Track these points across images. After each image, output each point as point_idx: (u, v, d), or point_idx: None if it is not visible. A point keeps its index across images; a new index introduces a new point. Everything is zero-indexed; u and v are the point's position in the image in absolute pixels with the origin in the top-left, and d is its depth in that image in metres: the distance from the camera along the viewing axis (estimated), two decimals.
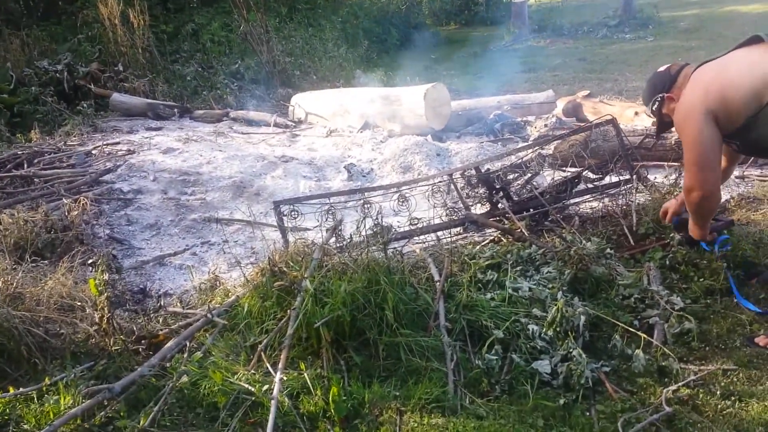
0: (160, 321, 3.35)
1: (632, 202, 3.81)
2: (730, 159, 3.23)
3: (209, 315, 3.11)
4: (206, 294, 3.58)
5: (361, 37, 12.78)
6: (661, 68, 3.12)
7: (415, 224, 3.89)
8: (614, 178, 4.13)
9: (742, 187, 4.57)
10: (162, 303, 3.61)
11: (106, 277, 3.09)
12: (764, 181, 4.67)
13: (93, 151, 6.22)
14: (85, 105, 7.98)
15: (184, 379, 2.66)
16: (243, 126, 8.00)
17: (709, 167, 2.80)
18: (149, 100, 8.48)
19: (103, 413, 2.57)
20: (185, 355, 2.91)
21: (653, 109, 3.09)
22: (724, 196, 4.19)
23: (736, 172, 4.50)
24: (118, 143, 6.56)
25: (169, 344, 2.99)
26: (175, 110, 8.39)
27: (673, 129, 3.12)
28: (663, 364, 2.64)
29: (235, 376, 2.64)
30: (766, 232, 3.74)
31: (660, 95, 3.03)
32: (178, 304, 3.59)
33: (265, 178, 5.55)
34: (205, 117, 8.31)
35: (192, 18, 10.76)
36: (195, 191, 5.26)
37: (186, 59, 9.99)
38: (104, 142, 6.58)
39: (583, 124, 6.49)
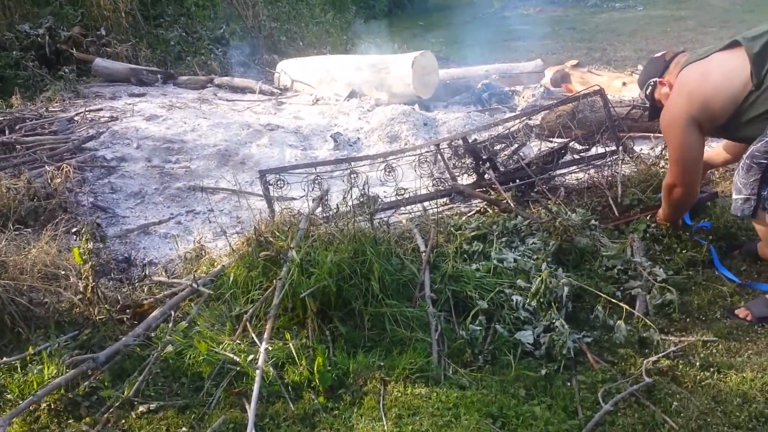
0: (145, 290, 3.34)
1: (618, 173, 3.83)
2: (734, 154, 3.31)
3: (194, 284, 3.11)
4: (191, 263, 3.57)
5: (349, 3, 12.60)
6: (657, 54, 3.25)
7: (402, 195, 3.89)
8: (600, 149, 4.13)
9: None
10: (147, 272, 3.60)
11: (90, 245, 3.06)
12: None
13: (75, 118, 6.11)
14: (67, 70, 7.80)
15: (169, 348, 2.65)
16: (228, 93, 7.89)
17: (691, 168, 3.00)
18: (132, 66, 8.32)
19: (87, 383, 2.58)
20: (170, 325, 2.90)
21: (647, 93, 3.20)
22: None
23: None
24: (100, 110, 6.46)
25: (154, 314, 2.99)
26: (159, 76, 8.25)
27: None
28: (644, 335, 2.67)
29: (220, 346, 2.64)
30: None
31: (653, 80, 3.13)
32: (163, 273, 3.57)
33: (251, 147, 5.50)
34: (189, 83, 8.18)
35: None
36: (179, 159, 5.21)
37: (170, 24, 9.79)
38: (87, 109, 6.46)
39: (570, 94, 6.49)
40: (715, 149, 3.50)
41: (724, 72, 2.77)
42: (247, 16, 9.74)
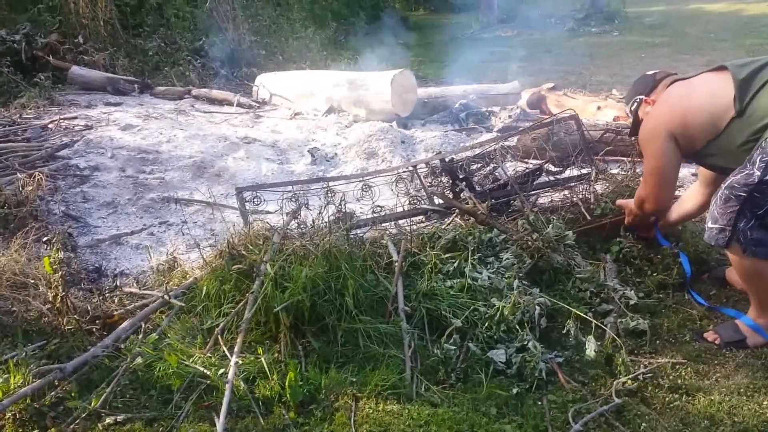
0: (116, 301, 3.29)
1: (591, 186, 3.87)
2: (709, 185, 3.26)
3: (166, 296, 3.07)
4: (163, 275, 3.53)
5: (330, 19, 12.66)
6: (649, 72, 3.28)
7: (378, 212, 3.90)
8: (575, 171, 4.18)
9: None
10: (118, 283, 3.54)
11: (61, 255, 3.01)
12: None
13: (49, 125, 6.03)
14: (42, 77, 7.71)
15: (138, 360, 2.62)
16: (205, 104, 7.87)
17: (665, 182, 3.00)
18: (109, 75, 8.27)
19: (53, 393, 2.52)
20: (140, 337, 2.86)
21: (631, 108, 3.23)
22: (681, 192, 4.27)
23: (692, 169, 4.61)
24: (75, 118, 6.39)
25: (123, 325, 2.94)
26: (136, 86, 8.20)
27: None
28: (614, 356, 2.70)
29: (191, 359, 2.62)
30: None
31: (638, 97, 3.17)
32: (135, 284, 3.52)
33: (227, 159, 5.47)
34: (167, 94, 8.15)
35: None
36: (154, 170, 5.17)
37: (149, 33, 9.75)
38: (61, 116, 6.39)
39: (545, 117, 6.57)
40: (686, 194, 3.46)
41: (707, 92, 2.80)
42: (227, 28, 9.74)
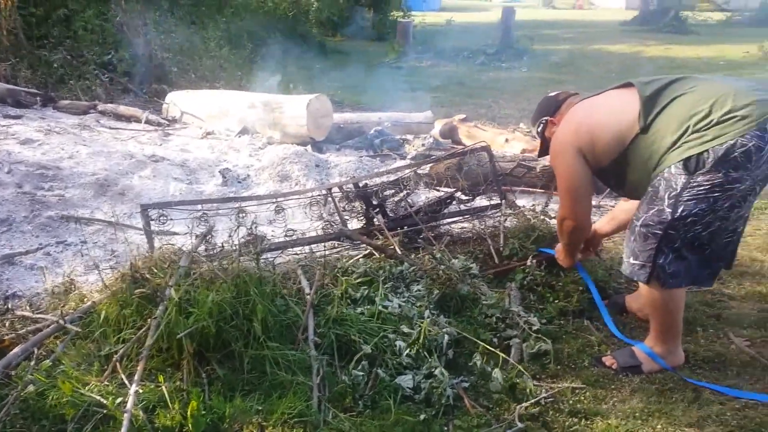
0: (6, 325, 3.09)
1: (500, 224, 3.99)
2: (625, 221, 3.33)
3: (61, 321, 2.91)
4: (59, 298, 3.35)
5: (246, 40, 12.54)
6: (551, 93, 3.33)
7: (291, 236, 3.86)
8: (485, 201, 4.30)
9: (597, 216, 4.89)
10: (9, 306, 3.33)
11: None
12: None
13: None
14: None
15: (30, 388, 2.46)
16: (112, 120, 7.58)
17: (581, 197, 3.00)
18: (10, 86, 7.84)
19: None
20: (32, 363, 2.69)
21: (538, 130, 3.29)
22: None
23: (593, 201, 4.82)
24: None
25: (14, 350, 2.77)
26: (38, 99, 7.82)
27: (536, 151, 3.32)
28: (517, 381, 2.76)
29: (87, 387, 2.48)
30: (616, 258, 4.04)
31: (544, 118, 3.22)
32: (27, 307, 3.32)
33: (132, 178, 5.29)
34: (71, 108, 7.80)
35: (65, 3, 10.07)
36: (53, 186, 4.92)
37: (54, 45, 9.34)
38: None
39: (458, 147, 6.74)
40: (619, 205, 3.55)
41: (612, 108, 2.86)
42: (138, 43, 9.46)
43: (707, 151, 2.50)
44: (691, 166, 2.54)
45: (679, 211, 2.58)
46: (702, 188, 2.53)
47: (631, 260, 2.79)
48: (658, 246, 2.66)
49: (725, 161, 2.48)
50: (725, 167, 2.49)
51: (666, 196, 2.61)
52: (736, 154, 2.47)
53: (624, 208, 3.40)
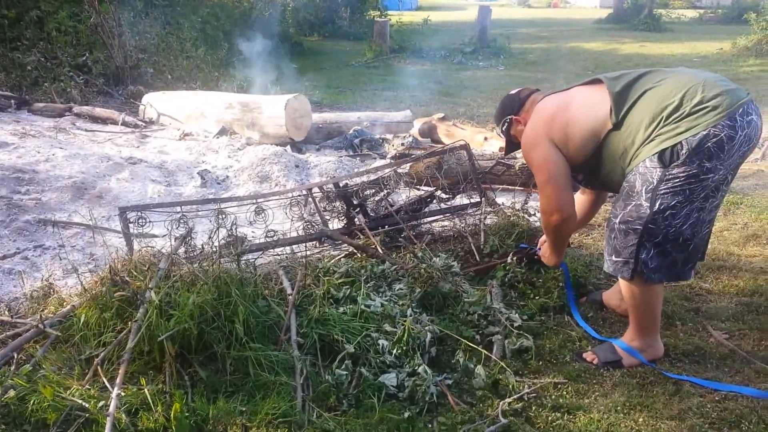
0: None
1: (481, 222, 4.00)
2: (594, 202, 3.42)
3: (41, 325, 2.87)
4: (38, 302, 3.31)
5: (222, 40, 12.46)
6: (512, 91, 3.30)
7: (271, 237, 3.84)
8: (465, 200, 4.32)
9: None
10: None
11: None
12: None
13: None
14: None
15: (11, 393, 2.42)
16: (88, 123, 7.51)
17: (561, 188, 2.91)
18: None
19: None
20: (12, 368, 2.66)
21: (502, 129, 3.28)
22: None
23: None
24: None
25: None
26: (12, 101, 7.72)
27: (520, 153, 3.31)
28: (500, 377, 2.78)
29: (68, 392, 2.45)
30: (595, 255, 4.08)
31: (508, 117, 3.21)
32: (6, 312, 3.28)
33: (110, 180, 5.23)
34: (46, 111, 7.71)
35: (38, 4, 9.93)
36: (30, 190, 4.85)
37: (28, 47, 9.21)
38: None
39: (437, 146, 6.76)
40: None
41: (585, 104, 2.84)
42: (113, 45, 9.36)
43: (681, 142, 2.53)
44: (666, 158, 2.57)
45: (657, 204, 2.61)
46: (678, 180, 2.56)
47: (614, 258, 2.81)
48: (640, 241, 2.69)
49: (699, 152, 2.52)
50: (699, 158, 2.52)
51: (643, 191, 2.64)
52: (709, 144, 2.50)
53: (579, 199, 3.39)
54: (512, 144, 3.30)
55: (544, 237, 3.47)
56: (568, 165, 2.90)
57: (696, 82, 2.62)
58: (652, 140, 2.62)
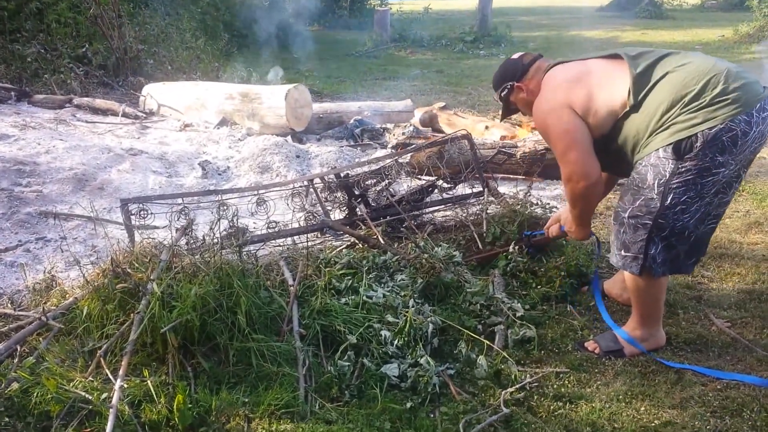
0: None
1: (484, 211, 4.00)
2: (605, 184, 3.25)
3: (43, 318, 2.88)
4: (41, 295, 3.31)
5: (222, 30, 12.42)
6: (514, 56, 3.18)
7: (273, 228, 3.84)
8: (467, 189, 4.31)
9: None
10: None
11: None
12: None
13: None
14: None
15: (14, 386, 2.43)
16: (88, 114, 7.50)
17: (586, 152, 2.72)
18: None
19: None
20: (15, 361, 2.67)
21: (501, 95, 3.15)
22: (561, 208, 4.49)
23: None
24: None
25: None
26: (12, 93, 7.70)
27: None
28: (502, 367, 2.79)
29: (71, 384, 2.45)
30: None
31: (509, 83, 3.08)
32: (9, 304, 3.29)
33: (111, 172, 5.23)
34: (46, 102, 7.70)
35: None
36: (31, 182, 4.85)
37: (27, 39, 9.18)
38: None
39: (438, 135, 6.74)
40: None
41: (604, 80, 2.72)
42: (113, 36, 9.32)
43: (696, 134, 2.47)
44: (681, 150, 2.50)
45: (669, 199, 2.56)
46: (690, 173, 2.51)
47: (622, 252, 2.76)
48: (649, 236, 2.64)
49: (713, 145, 2.46)
50: (712, 151, 2.47)
51: (655, 184, 2.58)
52: (724, 138, 2.46)
53: None
54: (509, 110, 3.19)
55: (550, 221, 3.46)
56: (588, 130, 2.74)
57: (719, 71, 2.53)
58: (666, 128, 2.55)
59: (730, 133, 2.45)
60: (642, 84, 2.62)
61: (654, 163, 2.58)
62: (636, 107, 2.61)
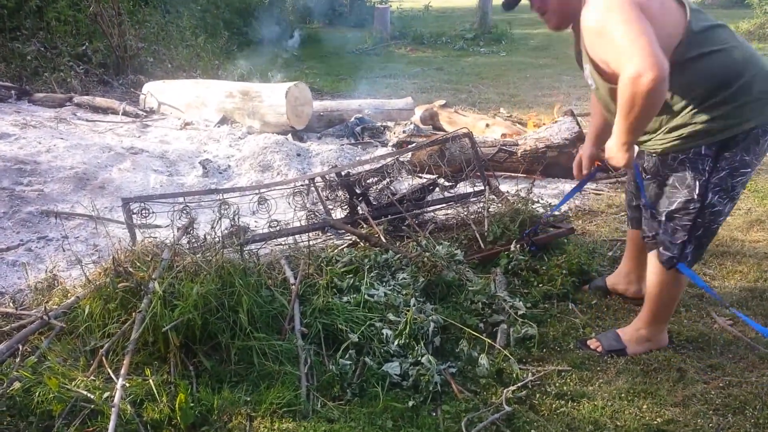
0: None
1: (485, 209, 3.99)
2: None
3: (45, 317, 2.88)
4: (42, 294, 3.32)
5: (222, 28, 12.40)
6: None
7: (274, 227, 3.84)
8: (468, 187, 4.31)
9: (579, 200, 4.93)
10: None
11: None
12: (598, 195, 5.09)
13: None
14: None
15: (16, 385, 2.44)
16: (88, 113, 7.48)
17: (653, 41, 2.19)
18: None
19: None
20: (17, 360, 2.68)
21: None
22: (563, 207, 4.50)
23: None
24: None
25: None
26: (12, 92, 7.69)
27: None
28: (504, 365, 2.79)
29: (73, 383, 2.46)
30: (599, 241, 4.07)
31: None
32: (11, 304, 3.28)
33: (112, 171, 5.23)
34: (46, 101, 7.69)
35: None
36: (32, 182, 4.85)
37: (27, 38, 9.16)
38: None
39: (439, 133, 6.74)
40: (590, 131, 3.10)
41: (662, 15, 2.35)
42: (113, 34, 9.31)
43: (739, 134, 2.41)
44: (724, 148, 2.44)
45: (708, 198, 2.51)
46: (724, 172, 2.47)
47: (661, 249, 2.71)
48: (689, 237, 2.61)
49: (746, 145, 2.43)
50: (745, 151, 2.44)
51: (696, 184, 2.50)
52: (760, 138, 2.43)
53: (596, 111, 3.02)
54: (561, 13, 2.69)
55: (576, 160, 3.13)
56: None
57: (766, 64, 2.44)
58: (710, 116, 2.39)
59: (765, 136, 2.44)
60: (695, 44, 2.37)
61: (692, 158, 2.49)
62: (689, 43, 2.34)
